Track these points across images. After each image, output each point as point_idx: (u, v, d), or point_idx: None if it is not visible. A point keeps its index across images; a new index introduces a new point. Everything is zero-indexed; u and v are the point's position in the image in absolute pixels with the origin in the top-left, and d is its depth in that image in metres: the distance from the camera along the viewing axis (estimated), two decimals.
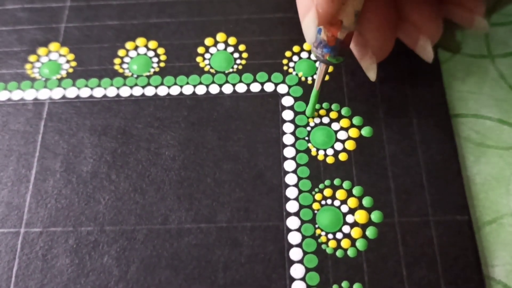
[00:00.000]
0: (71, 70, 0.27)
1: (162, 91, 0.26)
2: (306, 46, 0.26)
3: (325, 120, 0.24)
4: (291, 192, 0.23)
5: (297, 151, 0.24)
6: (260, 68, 0.26)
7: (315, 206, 0.22)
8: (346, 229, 0.22)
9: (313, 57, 0.26)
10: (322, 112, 0.24)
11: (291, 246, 0.22)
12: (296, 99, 0.25)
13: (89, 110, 0.25)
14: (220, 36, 0.27)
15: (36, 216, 0.23)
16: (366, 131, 0.24)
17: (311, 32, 0.21)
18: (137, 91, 0.26)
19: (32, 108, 0.25)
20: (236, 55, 0.26)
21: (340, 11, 0.20)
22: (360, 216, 0.22)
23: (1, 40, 0.28)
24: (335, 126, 0.24)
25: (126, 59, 0.27)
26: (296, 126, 0.24)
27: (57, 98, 0.26)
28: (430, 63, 0.23)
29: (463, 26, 0.24)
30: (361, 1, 0.20)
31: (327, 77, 0.25)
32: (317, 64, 0.23)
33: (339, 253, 0.21)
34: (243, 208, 0.22)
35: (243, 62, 0.26)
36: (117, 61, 0.27)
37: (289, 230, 0.22)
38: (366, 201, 0.22)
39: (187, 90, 0.26)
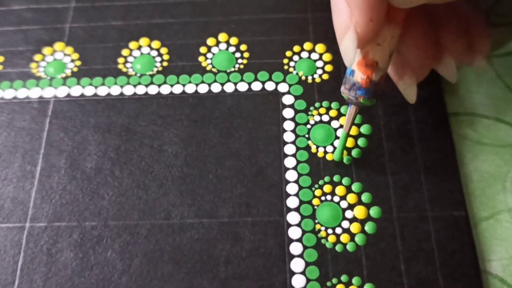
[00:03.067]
0: (75, 69, 0.27)
1: (165, 89, 0.26)
2: (306, 46, 0.27)
3: (325, 118, 0.25)
4: (292, 188, 0.23)
5: (297, 148, 0.24)
6: (261, 68, 0.26)
7: (315, 201, 0.23)
8: (345, 224, 0.22)
9: (313, 56, 0.26)
10: (321, 110, 0.25)
11: (291, 240, 0.22)
12: (296, 97, 0.25)
13: (94, 108, 0.26)
14: (222, 36, 0.28)
15: (41, 211, 0.23)
16: (365, 129, 0.24)
17: (350, 53, 0.20)
18: (141, 90, 0.26)
19: (38, 106, 0.26)
20: (237, 54, 0.27)
21: (376, 52, 0.19)
22: (359, 212, 0.22)
23: (7, 40, 0.28)
24: (334, 124, 0.25)
25: (130, 59, 0.27)
26: (297, 124, 0.25)
27: (62, 96, 0.26)
28: (453, 83, 0.23)
29: (461, 62, 0.23)
30: (396, 41, 0.20)
31: (326, 76, 0.26)
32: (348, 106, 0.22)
33: (338, 248, 0.22)
34: (244, 204, 0.23)
35: (245, 61, 0.27)
36: (121, 60, 0.27)
37: (290, 225, 0.22)
38: (365, 197, 0.23)
39: (190, 88, 0.26)
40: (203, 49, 0.27)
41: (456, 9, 0.22)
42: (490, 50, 0.26)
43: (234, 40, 0.27)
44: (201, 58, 0.27)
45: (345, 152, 0.24)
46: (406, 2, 0.18)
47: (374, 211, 0.22)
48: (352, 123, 0.22)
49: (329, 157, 0.24)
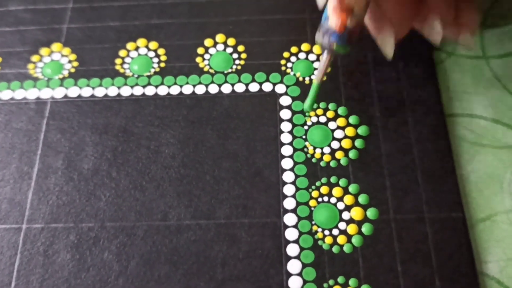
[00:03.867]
0: (73, 70, 0.27)
1: (162, 90, 0.26)
2: (303, 47, 0.27)
3: (322, 119, 0.25)
4: (289, 190, 0.23)
5: (295, 150, 0.24)
6: (258, 69, 0.26)
7: (312, 203, 0.23)
8: (342, 225, 0.22)
9: (311, 57, 0.26)
10: (319, 111, 0.25)
11: (288, 242, 0.22)
12: (293, 98, 0.25)
13: (91, 109, 0.26)
14: (220, 37, 0.28)
15: (38, 212, 0.23)
16: (362, 130, 0.24)
17: None
18: (138, 91, 0.26)
19: (35, 107, 0.26)
20: (235, 55, 0.27)
21: None
22: (356, 213, 0.22)
23: (5, 41, 0.28)
24: (331, 125, 0.25)
25: (127, 59, 0.27)
26: (294, 125, 0.25)
27: (59, 97, 0.26)
28: (437, 46, 0.22)
29: (448, 38, 0.23)
30: None
31: (325, 75, 0.26)
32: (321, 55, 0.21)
33: (335, 249, 0.22)
34: (241, 205, 0.23)
35: (242, 62, 0.27)
36: (118, 61, 0.27)
37: (286, 227, 0.22)
38: (362, 199, 0.23)
39: (187, 89, 0.26)
40: (200, 50, 0.27)
41: None
42: (477, 27, 0.26)
43: (231, 41, 0.27)
44: (198, 59, 0.27)
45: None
46: None
47: (371, 213, 0.22)
48: (325, 72, 0.22)
49: (326, 158, 0.24)
